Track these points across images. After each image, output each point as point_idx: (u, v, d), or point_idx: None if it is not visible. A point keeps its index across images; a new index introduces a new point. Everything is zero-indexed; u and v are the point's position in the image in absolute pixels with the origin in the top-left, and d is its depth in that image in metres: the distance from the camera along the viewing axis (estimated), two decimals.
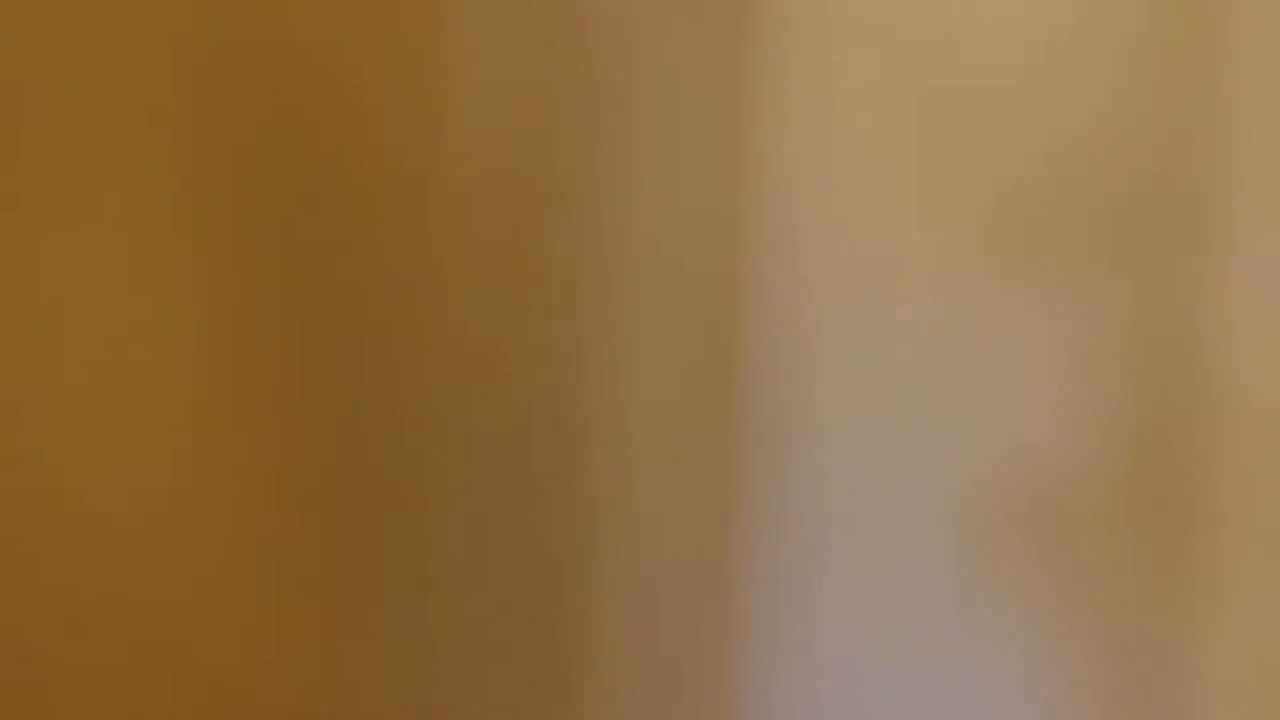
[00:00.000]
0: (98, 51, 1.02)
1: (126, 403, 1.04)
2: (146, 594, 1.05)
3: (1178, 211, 0.95)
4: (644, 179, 1.03)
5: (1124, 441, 0.94)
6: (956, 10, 0.95)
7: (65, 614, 1.06)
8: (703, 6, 1.01)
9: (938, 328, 0.97)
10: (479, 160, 1.03)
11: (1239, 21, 0.94)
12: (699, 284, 1.02)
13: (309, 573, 1.06)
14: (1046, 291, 0.95)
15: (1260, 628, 0.95)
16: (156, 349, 1.04)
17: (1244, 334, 0.95)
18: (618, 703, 1.06)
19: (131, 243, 1.04)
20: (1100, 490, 0.95)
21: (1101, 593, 0.96)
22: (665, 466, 1.04)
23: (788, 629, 1.02)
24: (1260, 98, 0.95)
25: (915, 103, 0.96)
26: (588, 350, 1.04)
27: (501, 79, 1.02)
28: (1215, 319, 0.95)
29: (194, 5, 1.01)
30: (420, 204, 1.03)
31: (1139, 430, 0.94)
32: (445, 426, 1.05)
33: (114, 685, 1.07)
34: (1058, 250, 0.95)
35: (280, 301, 1.04)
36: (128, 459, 1.05)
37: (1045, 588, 0.96)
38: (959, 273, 0.96)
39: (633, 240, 1.03)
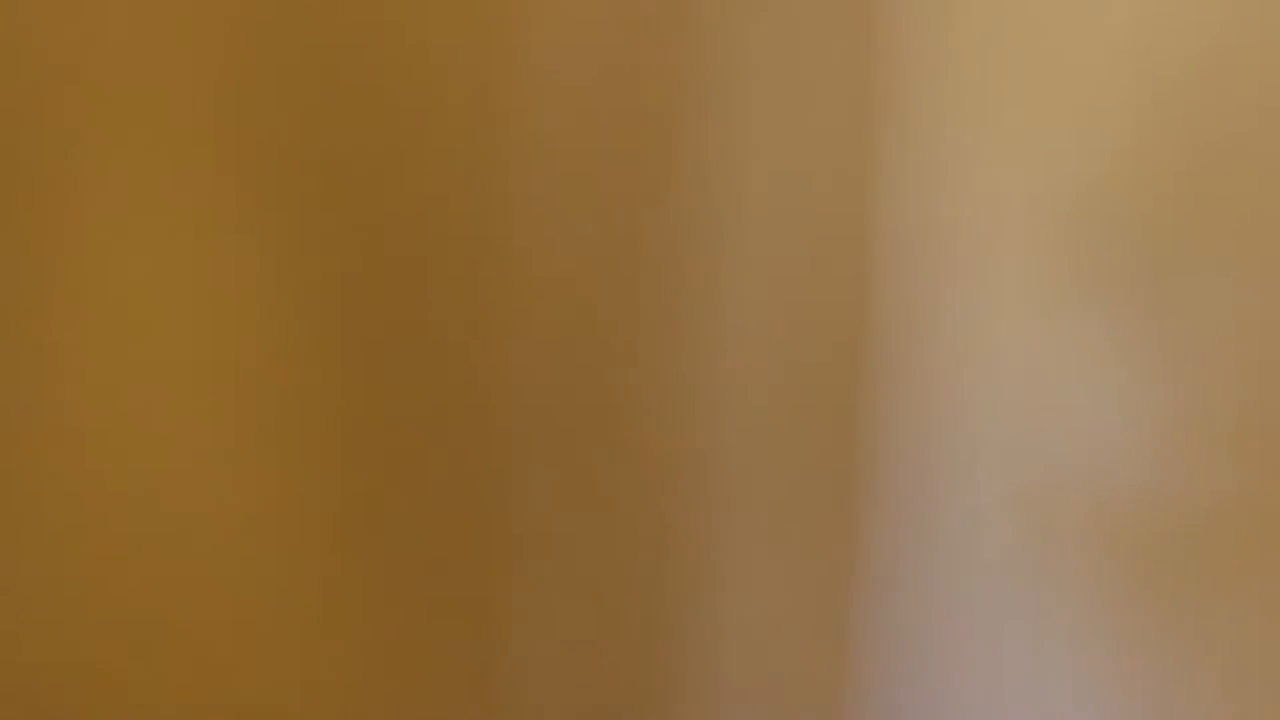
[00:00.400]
0: (165, 48, 1.01)
1: (188, 404, 1.02)
2: (205, 605, 1.02)
3: None
4: (752, 170, 0.96)
5: (1249, 478, 0.85)
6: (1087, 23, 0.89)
7: (113, 623, 1.04)
8: None
9: (1053, 358, 0.91)
10: (562, 149, 0.97)
11: None
12: (813, 295, 0.95)
13: (375, 590, 1.02)
14: (1173, 317, 0.87)
15: None
16: (221, 351, 1.02)
17: None
18: None
19: (197, 243, 1.02)
20: (1220, 530, 0.86)
21: (1218, 639, 0.87)
22: (772, 483, 0.97)
23: (902, 666, 0.96)
24: None
25: (1037, 111, 0.91)
26: (687, 356, 0.98)
27: (589, 63, 0.96)
28: None
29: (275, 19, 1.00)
30: (496, 195, 0.98)
31: (1266, 464, 0.85)
32: (523, 439, 0.99)
33: (165, 700, 1.04)
34: (1182, 270, 0.88)
35: (349, 303, 1.01)
36: (183, 461, 1.02)
37: (1158, 630, 0.89)
38: (1084, 299, 0.90)
39: (739, 238, 0.96)
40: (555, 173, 0.97)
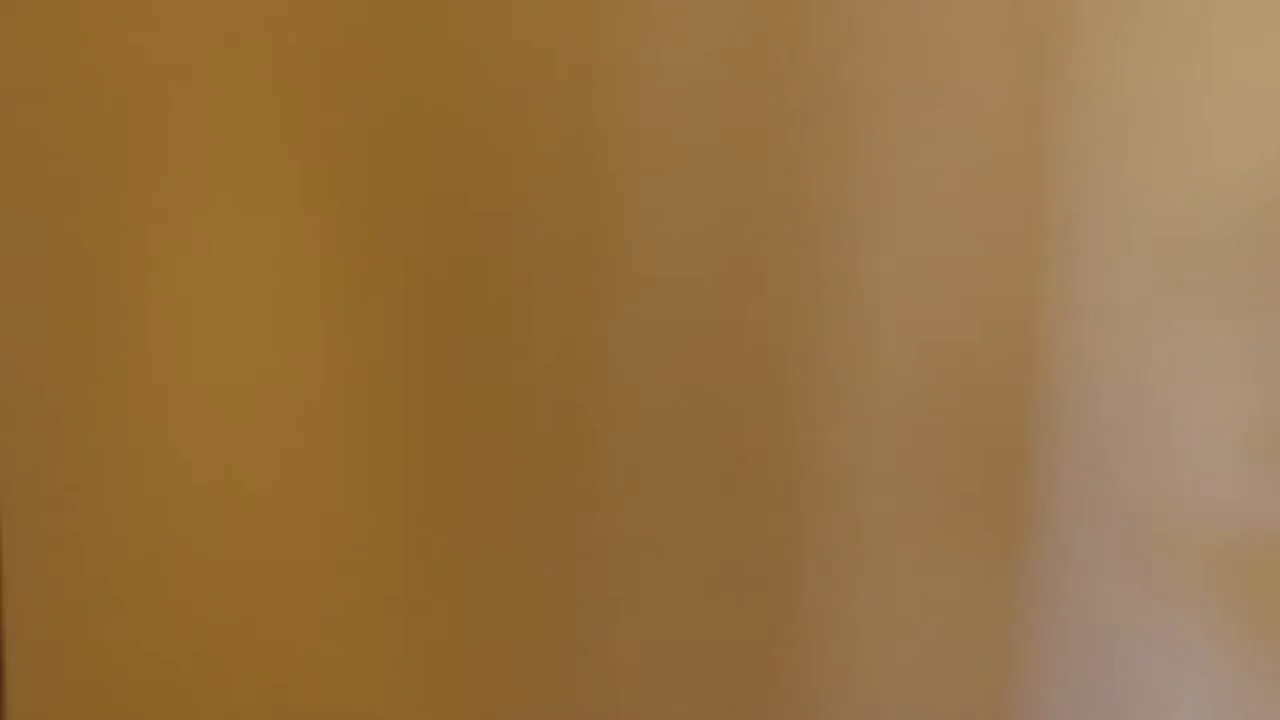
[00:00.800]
0: (251, 55, 1.00)
1: (268, 407, 1.01)
2: (291, 612, 1.01)
3: None
4: (905, 156, 0.87)
5: None
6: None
7: (196, 630, 1.03)
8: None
9: (1236, 377, 0.85)
10: (678, 139, 0.90)
11: None
12: (970, 298, 0.87)
13: (470, 606, 0.98)
14: None
15: None
16: (304, 354, 1.01)
17: None
18: None
19: (290, 249, 1.01)
20: None
21: None
22: (922, 493, 0.89)
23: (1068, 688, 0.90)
24: None
25: (1229, 119, 0.84)
26: (825, 359, 0.89)
27: (709, 41, 0.88)
28: None
29: (349, 7, 0.97)
30: (600, 190, 0.92)
31: None
32: (629, 456, 0.93)
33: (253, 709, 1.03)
34: None
35: (440, 303, 0.97)
36: (266, 462, 1.01)
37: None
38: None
39: (887, 233, 0.88)
40: (669, 166, 0.90)
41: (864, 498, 0.90)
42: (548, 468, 0.96)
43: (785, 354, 0.90)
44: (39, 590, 1.16)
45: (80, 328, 1.09)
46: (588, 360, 0.94)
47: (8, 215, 1.15)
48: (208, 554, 1.04)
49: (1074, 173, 0.87)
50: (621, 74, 0.90)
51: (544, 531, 0.96)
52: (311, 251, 1.00)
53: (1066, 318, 0.87)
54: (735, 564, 0.92)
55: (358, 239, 0.98)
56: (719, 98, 0.89)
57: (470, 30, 0.94)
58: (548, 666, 0.96)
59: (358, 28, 0.97)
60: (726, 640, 0.93)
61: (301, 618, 1.00)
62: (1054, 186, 0.87)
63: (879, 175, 0.88)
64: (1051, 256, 0.87)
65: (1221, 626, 0.85)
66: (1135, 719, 0.88)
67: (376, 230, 0.97)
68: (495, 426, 0.96)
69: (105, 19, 1.02)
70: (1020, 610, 0.89)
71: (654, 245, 0.91)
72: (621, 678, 0.94)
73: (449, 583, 0.98)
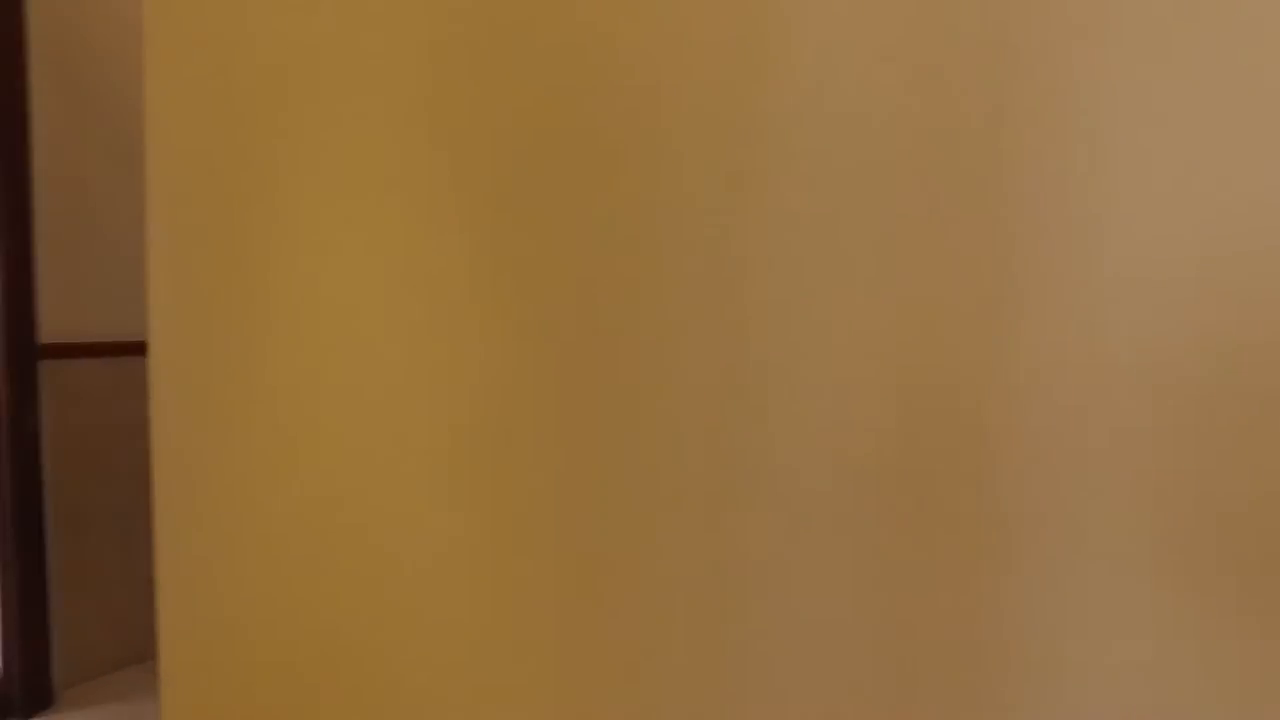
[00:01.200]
0: (407, 53, 0.97)
1: (402, 408, 0.99)
2: (443, 617, 0.99)
3: None
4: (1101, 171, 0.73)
5: None
6: None
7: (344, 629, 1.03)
8: None
9: None
10: (842, 149, 0.78)
11: None
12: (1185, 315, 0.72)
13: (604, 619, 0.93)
14: None
15: None
16: (438, 355, 0.98)
17: None
18: None
19: (442, 253, 0.97)
20: None
21: None
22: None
23: None
24: None
25: None
26: (1019, 396, 0.75)
27: (871, 53, 0.78)
28: None
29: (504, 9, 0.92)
30: (748, 203, 0.82)
31: None
32: (780, 474, 0.83)
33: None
34: None
35: (573, 312, 0.92)
36: (398, 466, 0.99)
37: None
38: None
39: (1105, 235, 0.73)
40: (829, 181, 0.79)
41: (1088, 557, 0.73)
42: (703, 493, 0.87)
43: (982, 368, 0.75)
44: (191, 586, 1.19)
45: (240, 332, 1.10)
46: (749, 370, 0.84)
47: (179, 217, 1.19)
48: (354, 557, 1.04)
49: None
50: (778, 102, 0.81)
51: (700, 552, 0.88)
52: (461, 254, 0.96)
53: None
54: (926, 627, 0.78)
55: (509, 244, 0.94)
56: (901, 82, 0.76)
57: (628, 30, 0.87)
58: (711, 700, 0.88)
59: (513, 29, 0.92)
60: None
61: (451, 624, 0.98)
62: None
63: (1115, 162, 0.74)
64: None
65: None
66: None
67: (528, 236, 0.93)
68: (648, 443, 0.88)
69: (266, 23, 1.03)
70: None
71: (821, 245, 0.80)
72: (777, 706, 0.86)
73: (598, 589, 0.92)
